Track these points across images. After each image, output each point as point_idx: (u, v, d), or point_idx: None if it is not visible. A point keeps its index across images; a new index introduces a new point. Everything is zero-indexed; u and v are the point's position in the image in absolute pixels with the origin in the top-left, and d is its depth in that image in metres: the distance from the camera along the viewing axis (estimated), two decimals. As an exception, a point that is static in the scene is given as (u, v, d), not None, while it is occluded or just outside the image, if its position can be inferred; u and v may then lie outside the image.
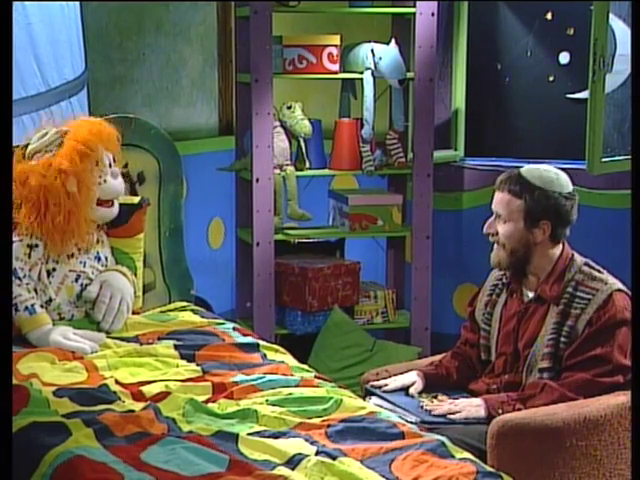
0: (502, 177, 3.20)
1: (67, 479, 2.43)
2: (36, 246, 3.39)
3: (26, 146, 3.46)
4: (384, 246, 5.23)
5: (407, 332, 4.93)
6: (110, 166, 3.52)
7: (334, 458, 2.56)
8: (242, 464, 2.51)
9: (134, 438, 2.63)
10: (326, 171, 4.87)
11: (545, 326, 3.14)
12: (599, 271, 3.18)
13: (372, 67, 4.62)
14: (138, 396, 2.94)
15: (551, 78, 5.34)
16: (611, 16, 4.61)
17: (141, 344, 3.37)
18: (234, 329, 3.59)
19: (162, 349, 3.30)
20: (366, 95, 4.63)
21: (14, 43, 3.39)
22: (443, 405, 3.14)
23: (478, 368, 3.35)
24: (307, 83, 4.94)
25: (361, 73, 4.67)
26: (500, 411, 3.04)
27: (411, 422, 2.95)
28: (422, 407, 3.15)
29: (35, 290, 3.37)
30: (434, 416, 3.09)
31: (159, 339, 3.42)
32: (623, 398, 3.02)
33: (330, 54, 4.64)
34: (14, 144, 3.30)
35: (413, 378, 3.30)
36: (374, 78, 4.63)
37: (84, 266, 3.51)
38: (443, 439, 2.70)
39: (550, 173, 3.16)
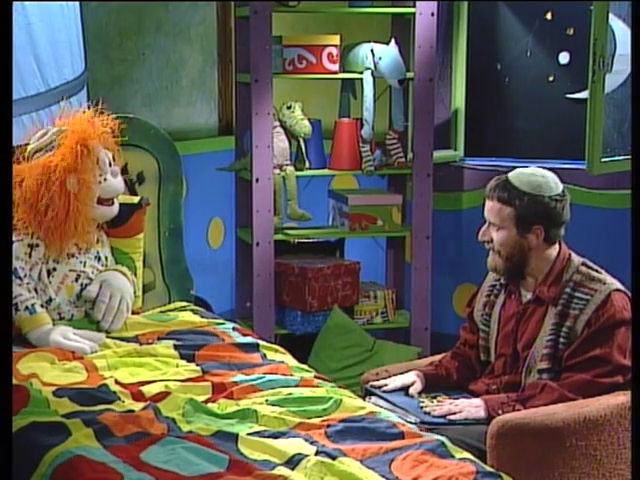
0: (491, 184, 3.19)
1: (67, 479, 2.43)
2: (37, 246, 3.39)
3: (26, 146, 3.46)
4: (384, 246, 5.23)
5: (407, 332, 4.93)
6: (110, 165, 3.52)
7: (334, 458, 2.56)
8: (242, 464, 2.51)
9: (134, 438, 2.63)
10: (326, 171, 4.87)
11: (544, 327, 3.14)
12: (597, 271, 3.18)
13: (372, 67, 4.62)
14: (138, 396, 2.94)
15: (551, 78, 5.34)
16: (611, 16, 4.61)
17: (141, 344, 3.37)
18: (234, 329, 3.59)
19: (162, 349, 3.30)
20: (366, 95, 4.63)
21: (14, 43, 3.39)
22: (443, 405, 3.14)
23: (478, 369, 3.35)
24: (307, 83, 4.94)
25: (361, 73, 4.67)
26: (500, 411, 3.04)
27: (411, 422, 2.95)
28: (422, 408, 3.15)
29: (35, 290, 3.37)
30: (434, 417, 3.10)
31: (159, 339, 3.42)
32: (623, 398, 3.02)
33: (330, 54, 4.64)
34: (14, 144, 3.30)
35: (413, 378, 3.30)
36: (374, 78, 4.63)
37: (84, 266, 3.51)
38: (443, 439, 2.70)
39: (537, 177, 3.15)
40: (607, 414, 2.99)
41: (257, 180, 4.60)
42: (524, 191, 3.11)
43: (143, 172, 3.85)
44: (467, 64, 5.40)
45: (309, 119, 4.67)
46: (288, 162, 4.71)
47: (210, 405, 2.91)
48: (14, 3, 3.47)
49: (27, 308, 3.28)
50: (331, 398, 2.93)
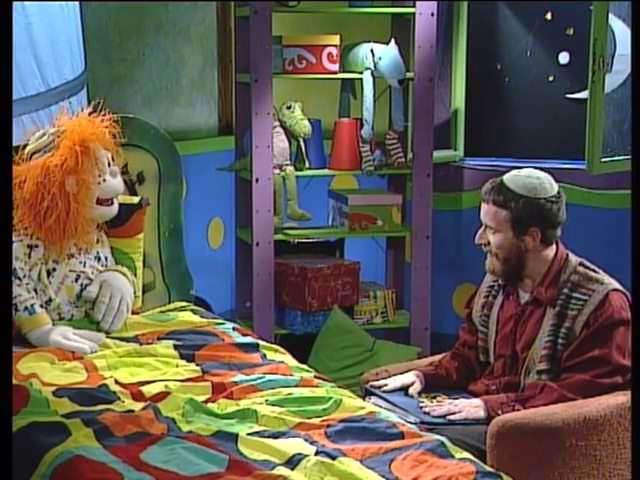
0: (486, 187, 3.19)
1: (67, 479, 2.43)
2: (36, 246, 3.39)
3: (24, 147, 3.46)
4: (384, 246, 5.23)
5: (407, 332, 4.93)
6: (109, 165, 3.52)
7: (334, 458, 2.56)
8: (242, 464, 2.51)
9: (134, 438, 2.63)
10: (326, 171, 4.87)
11: (542, 328, 3.14)
12: (594, 271, 3.18)
13: (372, 67, 4.62)
14: (138, 396, 2.94)
15: (551, 78, 5.34)
16: (611, 16, 4.60)
17: (141, 344, 3.37)
18: (234, 329, 3.59)
19: (162, 349, 3.30)
20: (366, 95, 4.63)
21: (14, 43, 3.39)
22: (442, 406, 3.14)
23: (477, 369, 3.34)
24: (307, 83, 4.94)
25: (361, 73, 4.67)
26: (500, 412, 3.04)
27: (410, 422, 2.95)
28: (421, 408, 3.15)
29: (35, 290, 3.37)
30: (433, 417, 3.10)
31: (159, 339, 3.42)
32: (622, 398, 3.02)
33: (330, 54, 4.64)
34: (14, 144, 3.29)
35: (412, 378, 3.30)
36: (374, 78, 4.63)
37: (84, 266, 3.51)
38: (443, 439, 2.70)
39: (532, 179, 3.14)
40: (607, 414, 2.99)
41: (257, 180, 4.60)
42: (519, 194, 3.11)
43: (143, 172, 3.85)
44: (467, 64, 5.40)
45: (309, 119, 4.67)
46: (288, 162, 4.71)
47: (210, 405, 2.91)
48: (14, 3, 3.47)
49: (27, 308, 3.28)
50: (331, 398, 2.93)
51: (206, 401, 2.94)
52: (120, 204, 3.61)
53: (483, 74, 5.45)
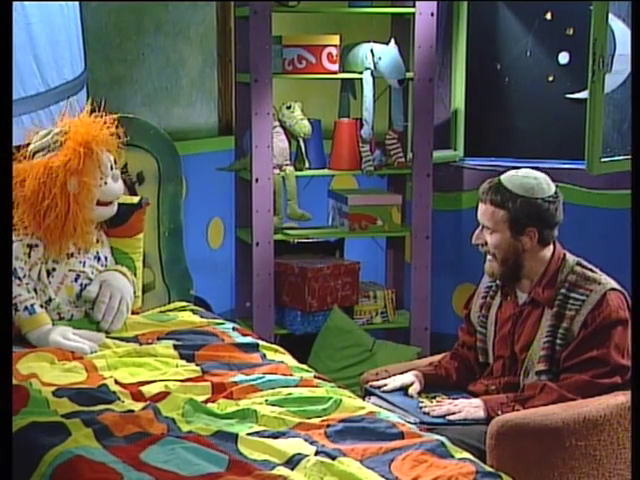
0: (483, 187, 3.19)
1: (66, 479, 2.43)
2: (36, 246, 3.39)
3: (27, 146, 3.46)
4: (383, 246, 5.23)
5: (407, 332, 4.93)
6: (111, 168, 3.52)
7: (333, 458, 2.56)
8: (241, 464, 2.51)
9: (133, 438, 2.63)
10: (325, 171, 4.87)
11: (540, 329, 3.14)
12: (592, 270, 3.17)
13: (371, 67, 4.62)
14: (137, 396, 2.94)
15: (550, 78, 5.34)
16: (610, 16, 4.61)
17: (140, 344, 3.37)
18: (233, 329, 3.59)
19: (161, 349, 3.30)
20: (365, 95, 4.63)
21: (14, 43, 3.39)
22: (442, 406, 3.14)
23: (476, 370, 3.34)
24: (307, 83, 4.94)
25: (360, 73, 4.67)
26: (499, 412, 3.04)
27: (410, 422, 2.95)
28: (421, 408, 3.15)
29: (35, 290, 3.37)
30: (433, 417, 3.10)
31: (158, 339, 3.42)
32: (622, 398, 3.03)
33: (329, 54, 4.64)
34: (14, 144, 3.29)
35: (412, 378, 3.30)
36: (373, 78, 4.63)
37: (84, 266, 3.51)
38: (442, 439, 2.70)
39: (530, 179, 3.14)
40: (606, 414, 2.99)
41: (257, 180, 4.60)
42: (517, 194, 3.11)
43: (143, 172, 3.85)
44: (467, 64, 5.40)
45: (309, 119, 4.67)
46: (288, 162, 4.71)
47: (210, 405, 2.91)
48: (14, 3, 3.47)
49: (26, 308, 3.28)
50: (331, 398, 2.93)
51: (206, 401, 2.94)
52: (120, 204, 3.61)
53: (483, 74, 5.45)
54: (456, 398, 3.20)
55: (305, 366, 3.33)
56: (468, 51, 5.38)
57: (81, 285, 3.48)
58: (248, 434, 2.69)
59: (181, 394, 2.93)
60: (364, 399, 3.20)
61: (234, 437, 2.66)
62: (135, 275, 3.67)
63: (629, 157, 4.35)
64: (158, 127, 3.98)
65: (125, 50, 4.78)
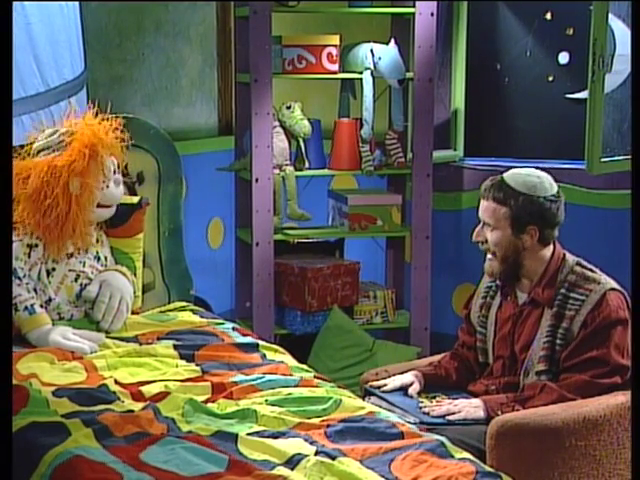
0: (486, 184, 3.19)
1: (66, 479, 2.43)
2: (36, 246, 3.39)
3: (31, 144, 3.46)
4: (383, 246, 5.23)
5: (406, 332, 4.93)
6: (114, 172, 3.52)
7: (333, 458, 2.56)
8: (241, 464, 2.51)
9: (133, 438, 2.63)
10: (325, 171, 4.87)
11: (540, 329, 3.14)
12: (592, 270, 3.18)
13: (371, 67, 4.62)
14: (137, 396, 2.94)
15: (550, 78, 5.34)
16: (610, 16, 4.60)
17: (140, 344, 3.37)
18: (233, 329, 3.59)
19: (161, 349, 3.30)
20: (365, 95, 4.63)
21: (14, 43, 3.39)
22: (442, 406, 3.14)
23: (476, 370, 3.34)
24: (306, 83, 4.94)
25: (360, 73, 4.67)
26: (499, 412, 3.04)
27: (410, 422, 2.95)
28: (421, 408, 3.15)
29: (35, 290, 3.37)
30: (433, 417, 3.10)
31: (158, 339, 3.42)
32: (622, 398, 3.03)
33: (329, 54, 4.64)
34: (13, 144, 3.29)
35: (412, 378, 3.30)
36: (373, 78, 4.63)
37: (84, 266, 3.51)
38: (442, 439, 2.70)
39: (533, 177, 3.15)
40: (606, 414, 2.99)
41: (257, 180, 4.60)
42: (519, 191, 3.11)
43: (143, 172, 3.85)
44: (467, 64, 5.40)
45: (309, 119, 4.67)
46: (288, 162, 4.71)
47: (210, 405, 2.91)
48: (14, 3, 3.47)
49: (26, 308, 3.28)
50: (331, 398, 2.93)
51: (206, 401, 2.94)
52: (120, 204, 3.61)
53: (483, 74, 5.45)
54: (456, 398, 3.20)
55: (305, 366, 3.33)
56: (468, 51, 5.38)
57: (81, 285, 3.48)
58: (248, 434, 2.69)
59: (181, 394, 2.93)
60: (364, 399, 3.20)
61: (234, 437, 2.66)
62: (135, 275, 3.67)
63: (629, 157, 4.35)
64: (158, 127, 3.98)
65: (125, 50, 4.78)
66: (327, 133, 4.86)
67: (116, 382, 3.02)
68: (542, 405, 3.02)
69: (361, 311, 4.91)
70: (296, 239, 4.91)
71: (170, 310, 3.78)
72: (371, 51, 4.61)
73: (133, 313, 3.60)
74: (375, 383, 3.33)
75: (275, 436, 2.69)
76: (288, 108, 4.65)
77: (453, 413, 3.09)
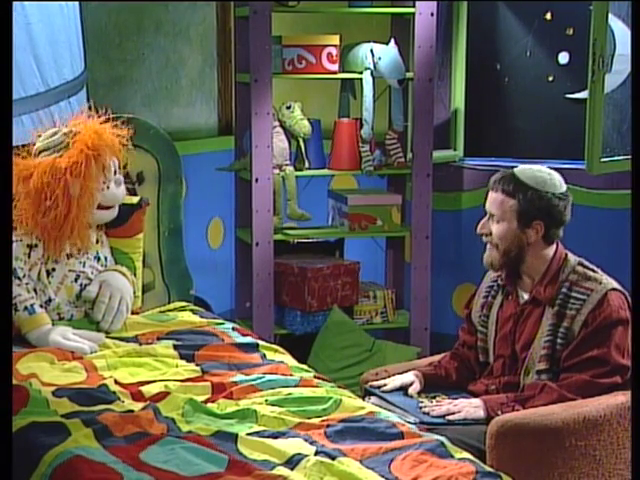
0: (496, 177, 3.20)
1: (66, 479, 2.43)
2: (35, 246, 3.39)
3: (33, 144, 3.46)
4: (383, 246, 5.23)
5: (406, 332, 4.93)
6: (115, 173, 3.52)
7: (333, 458, 2.56)
8: (241, 464, 2.51)
9: (133, 438, 2.63)
10: (325, 171, 4.87)
11: (541, 328, 3.14)
12: (593, 270, 3.18)
13: (371, 67, 4.62)
14: (137, 396, 2.94)
15: (550, 78, 5.34)
16: (610, 16, 4.61)
17: (140, 344, 3.37)
18: (233, 329, 3.59)
19: (161, 349, 3.30)
20: (365, 95, 4.63)
21: (14, 43, 3.39)
22: (442, 405, 3.14)
23: (477, 370, 3.35)
24: (306, 83, 4.94)
25: (360, 73, 4.67)
26: (499, 412, 3.04)
27: (410, 422, 2.95)
28: (421, 408, 3.15)
29: (35, 290, 3.37)
30: (433, 417, 3.09)
31: (158, 339, 3.42)
32: (622, 398, 3.03)
33: (329, 54, 4.64)
34: (13, 144, 3.29)
35: (412, 378, 3.30)
36: (373, 78, 4.63)
37: (83, 266, 3.51)
38: (442, 439, 2.70)
39: (543, 173, 3.17)
40: (606, 414, 2.99)
41: (257, 180, 4.60)
42: (529, 185, 3.12)
43: (143, 172, 3.85)
44: (467, 64, 5.40)
45: (309, 119, 4.67)
46: (288, 162, 4.71)
47: (210, 405, 2.91)
48: (14, 3, 3.47)
49: (26, 308, 3.28)
50: (331, 398, 2.93)
51: (206, 401, 2.94)
52: (120, 204, 3.61)
53: (483, 74, 5.45)
54: (456, 398, 3.20)
55: (305, 366, 3.33)
56: (468, 51, 5.38)
57: (81, 285, 3.48)
58: (248, 434, 2.69)
59: (181, 394, 2.93)
60: (364, 399, 3.20)
61: (234, 437, 2.66)
62: (135, 275, 3.67)
63: (629, 157, 4.35)
64: (158, 127, 3.98)
65: (125, 50, 4.78)
66: (327, 133, 4.86)
67: (116, 382, 3.02)
68: (542, 405, 3.02)
69: (361, 311, 4.92)
70: (296, 239, 4.91)
71: (170, 310, 3.78)
72: (371, 51, 4.61)
73: (133, 313, 3.61)
74: (375, 383, 3.33)
75: (275, 436, 2.69)
76: (288, 108, 4.65)
77: (453, 413, 3.09)
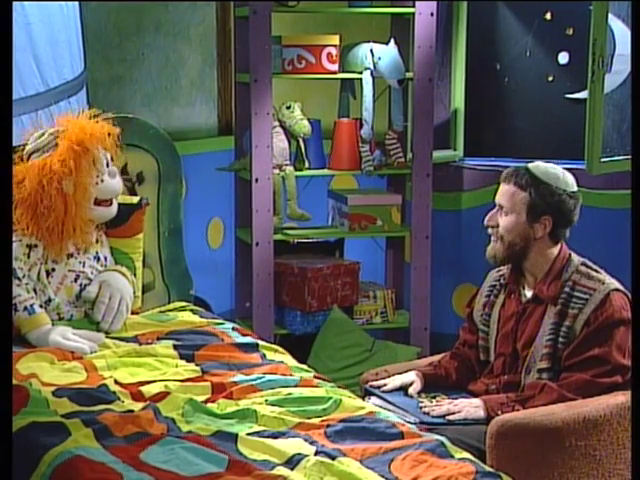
0: (509, 170, 3.22)
1: (66, 479, 2.43)
2: (35, 246, 3.39)
3: (24, 147, 3.46)
4: (383, 246, 5.23)
5: (406, 332, 4.93)
6: (107, 165, 3.52)
7: (333, 458, 2.56)
8: (241, 464, 2.51)
9: (133, 438, 2.63)
10: (325, 171, 4.87)
11: (543, 326, 3.14)
12: (596, 271, 3.19)
13: (371, 67, 4.62)
14: (137, 396, 2.94)
15: (550, 78, 5.34)
16: (610, 16, 4.61)
17: (140, 344, 3.37)
18: (233, 329, 3.59)
19: (161, 349, 3.30)
20: (365, 95, 4.63)
21: (14, 43, 3.39)
22: (442, 405, 3.14)
23: (477, 369, 3.35)
24: (306, 83, 4.94)
25: (360, 73, 4.67)
26: (499, 412, 3.04)
27: (410, 422, 2.95)
28: (421, 408, 3.15)
29: (34, 290, 3.37)
30: (433, 417, 3.09)
31: (158, 339, 3.42)
32: (622, 398, 3.03)
33: (329, 54, 4.64)
34: (13, 144, 3.29)
35: (412, 378, 3.30)
36: (373, 78, 4.63)
37: (83, 266, 3.51)
38: (442, 439, 2.70)
39: (557, 170, 3.20)
40: (606, 414, 2.99)
41: (256, 180, 4.60)
42: (541, 179, 3.14)
43: (143, 172, 3.85)
44: (466, 64, 5.40)
45: (308, 119, 4.67)
46: (287, 162, 4.71)
47: (210, 405, 2.91)
48: (14, 3, 3.47)
49: (26, 308, 3.28)
50: (330, 398, 2.93)
51: (206, 401, 2.94)
52: (119, 204, 3.61)
53: (483, 74, 5.45)
54: (456, 398, 3.20)
55: (305, 366, 3.33)
56: (468, 51, 5.38)
57: (81, 285, 3.48)
58: (248, 434, 2.69)
59: (181, 394, 2.93)
60: (364, 399, 3.20)
61: (234, 437, 2.66)
62: (135, 275, 3.67)
63: (629, 157, 4.35)
64: (158, 127, 3.98)
65: (125, 50, 4.78)
66: (327, 133, 4.86)
67: (116, 382, 3.02)
68: (542, 405, 3.02)
69: (361, 311, 4.92)
70: (296, 239, 4.91)
71: (170, 310, 3.78)
72: (371, 51, 4.61)
73: (133, 313, 3.61)
74: (375, 383, 3.33)
75: (275, 436, 2.69)
76: (288, 108, 4.65)
77: (453, 413, 3.09)
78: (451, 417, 3.09)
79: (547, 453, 2.92)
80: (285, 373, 3.17)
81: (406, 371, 3.36)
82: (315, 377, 3.19)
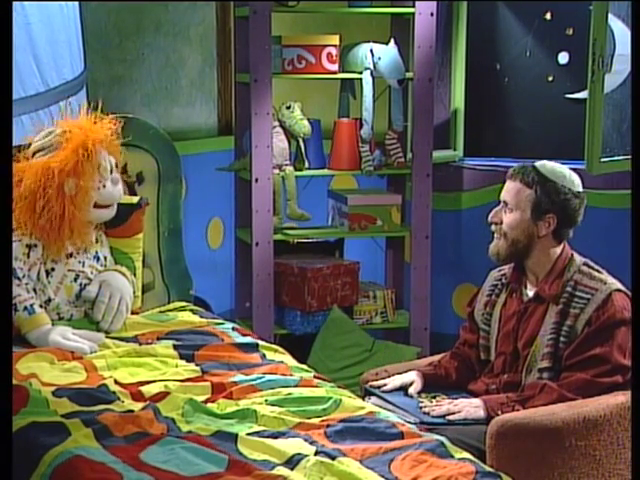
0: (515, 167, 3.23)
1: (66, 479, 2.43)
2: (35, 246, 3.39)
3: (29, 145, 3.46)
4: (383, 246, 5.23)
5: (406, 332, 4.93)
6: (111, 172, 3.51)
7: (333, 458, 2.55)
8: (241, 464, 2.51)
9: (133, 438, 2.63)
10: (325, 171, 4.87)
11: (544, 326, 3.15)
12: (598, 271, 3.19)
13: (371, 67, 4.62)
14: (137, 396, 2.94)
15: (550, 78, 5.34)
16: (610, 16, 4.61)
17: (140, 344, 3.37)
18: (233, 329, 3.59)
19: (161, 349, 3.30)
20: (365, 95, 4.63)
21: (14, 43, 3.39)
22: (442, 405, 3.14)
23: (477, 368, 3.35)
24: (306, 83, 4.94)
25: (360, 73, 4.67)
26: (499, 412, 3.04)
27: (410, 422, 2.95)
28: (421, 408, 3.15)
29: (34, 290, 3.37)
30: (433, 416, 3.09)
31: (158, 339, 3.41)
32: (622, 398, 3.03)
33: (329, 54, 4.64)
34: (13, 144, 3.29)
35: (412, 378, 3.31)
36: (373, 78, 4.63)
37: (83, 266, 3.51)
38: (442, 439, 2.70)
39: (563, 169, 3.21)
40: (607, 414, 2.99)
41: (256, 180, 4.60)
42: (548, 177, 3.15)
43: (142, 172, 3.85)
44: (466, 64, 5.40)
45: (308, 119, 4.67)
46: (287, 162, 4.71)
47: (209, 405, 2.91)
48: (14, 3, 3.47)
49: (26, 308, 3.28)
50: (330, 398, 2.93)
51: (206, 401, 2.93)
52: (119, 204, 3.60)
53: (482, 74, 5.45)
54: (456, 398, 3.20)
55: (305, 366, 3.33)
56: (468, 51, 5.38)
57: (80, 285, 3.48)
58: (248, 434, 2.68)
59: (181, 394, 2.93)
60: (364, 399, 3.20)
61: (234, 437, 2.66)
62: (135, 275, 3.67)
63: (629, 157, 4.35)
64: (158, 127, 3.98)
65: (125, 50, 4.78)
66: (327, 133, 4.86)
67: (116, 382, 3.02)
68: (542, 405, 3.02)
69: (361, 311, 4.91)
70: (296, 239, 4.91)
71: (170, 310, 3.78)
72: (371, 51, 4.61)
73: (133, 313, 3.60)
74: (375, 383, 3.34)
75: (275, 436, 2.69)
76: (288, 108, 4.65)
77: (453, 413, 3.09)
78: (451, 417, 3.09)
79: (547, 453, 2.92)
80: (285, 373, 3.17)
81: (406, 371, 3.36)
82: (315, 377, 3.18)
